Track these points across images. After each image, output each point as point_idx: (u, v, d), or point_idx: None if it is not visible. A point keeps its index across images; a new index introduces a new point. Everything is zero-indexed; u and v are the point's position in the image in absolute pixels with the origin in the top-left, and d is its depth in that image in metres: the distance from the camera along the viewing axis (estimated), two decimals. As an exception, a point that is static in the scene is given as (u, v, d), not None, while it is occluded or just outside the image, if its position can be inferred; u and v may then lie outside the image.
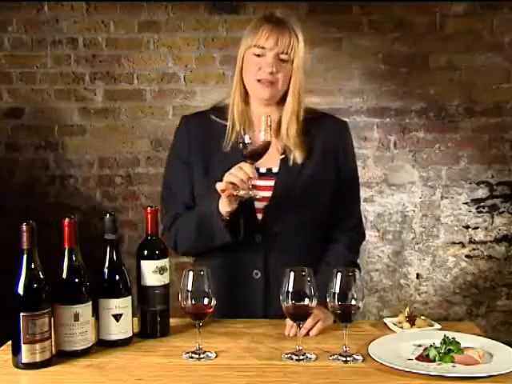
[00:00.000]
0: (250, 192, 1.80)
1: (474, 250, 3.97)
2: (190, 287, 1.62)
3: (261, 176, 1.93)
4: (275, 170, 1.99)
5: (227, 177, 1.81)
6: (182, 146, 2.08)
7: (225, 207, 1.86)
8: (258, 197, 1.85)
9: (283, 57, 1.90)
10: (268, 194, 1.96)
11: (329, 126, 2.07)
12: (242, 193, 1.80)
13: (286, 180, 1.97)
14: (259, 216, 1.97)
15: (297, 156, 1.97)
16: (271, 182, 1.97)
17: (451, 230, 3.96)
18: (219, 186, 1.82)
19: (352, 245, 2.08)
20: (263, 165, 1.96)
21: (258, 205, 1.96)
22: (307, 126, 2.00)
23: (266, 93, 1.93)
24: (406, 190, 3.94)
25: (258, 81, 1.92)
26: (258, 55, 1.91)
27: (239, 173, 1.79)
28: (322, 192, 2.02)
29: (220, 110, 2.03)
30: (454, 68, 3.87)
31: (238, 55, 1.97)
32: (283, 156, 1.98)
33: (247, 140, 1.79)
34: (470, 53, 3.85)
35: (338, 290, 1.60)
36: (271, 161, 1.97)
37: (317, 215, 2.01)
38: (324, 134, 2.03)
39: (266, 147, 1.80)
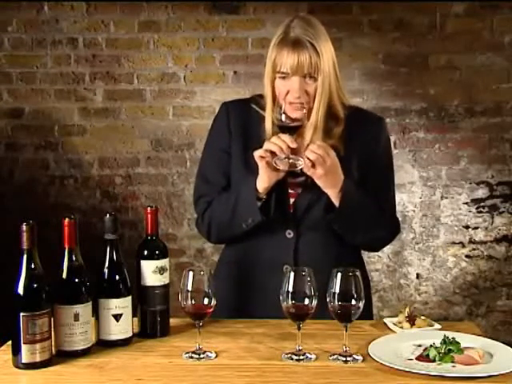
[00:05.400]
0: (290, 160, 1.84)
1: (474, 249, 3.97)
2: (189, 287, 1.62)
3: (295, 175, 1.97)
4: None
5: (266, 145, 1.86)
6: (221, 133, 2.06)
7: (263, 181, 1.89)
8: (299, 167, 1.87)
9: (308, 79, 1.89)
10: (299, 190, 1.99)
11: (363, 122, 2.05)
12: (280, 165, 1.85)
13: None
14: (291, 212, 1.99)
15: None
16: (303, 179, 1.98)
17: (451, 230, 3.97)
18: (258, 152, 1.86)
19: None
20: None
21: (291, 201, 1.99)
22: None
23: (297, 115, 1.90)
24: (405, 189, 3.94)
25: (290, 103, 1.91)
26: (284, 77, 1.90)
27: (277, 141, 1.85)
28: None
29: (260, 100, 2.02)
30: (454, 68, 3.87)
31: (265, 77, 1.95)
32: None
33: (284, 118, 1.87)
34: (469, 53, 3.85)
35: (337, 290, 1.60)
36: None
37: None
38: (358, 131, 2.01)
39: (301, 121, 1.89)
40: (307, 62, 1.86)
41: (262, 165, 1.88)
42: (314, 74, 1.88)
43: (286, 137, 1.85)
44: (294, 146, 1.85)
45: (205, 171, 2.10)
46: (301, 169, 1.92)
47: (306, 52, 1.86)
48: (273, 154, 1.85)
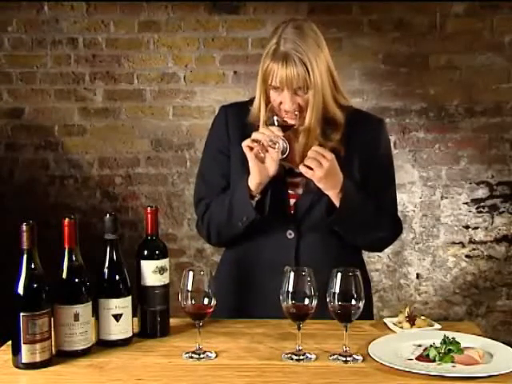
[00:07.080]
0: (276, 145, 1.86)
1: (474, 249, 3.97)
2: (189, 287, 1.62)
3: (295, 176, 1.98)
4: None
5: (253, 135, 1.89)
6: (220, 136, 2.08)
7: (254, 176, 1.89)
8: (285, 155, 1.90)
9: (299, 91, 1.90)
10: (300, 191, 2.00)
11: (363, 123, 2.05)
12: (267, 154, 1.87)
13: None
14: (292, 213, 1.99)
15: None
16: (303, 180, 1.98)
17: (451, 230, 3.97)
18: (245, 142, 1.88)
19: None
20: (298, 165, 1.97)
21: (291, 202, 1.99)
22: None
23: (290, 120, 1.93)
24: (405, 189, 3.94)
25: (285, 111, 1.93)
26: (276, 88, 1.92)
27: (265, 130, 1.88)
28: None
29: None
30: (454, 68, 3.87)
31: (257, 85, 1.97)
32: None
33: (275, 120, 1.91)
34: (470, 53, 3.85)
35: (337, 290, 1.60)
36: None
37: None
38: (358, 132, 2.01)
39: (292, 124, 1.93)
40: (295, 78, 1.87)
41: (250, 156, 1.88)
42: (303, 87, 1.89)
43: (273, 127, 1.88)
44: (280, 134, 1.87)
45: (204, 174, 2.11)
46: (300, 171, 1.93)
47: (295, 68, 1.87)
48: (259, 142, 1.87)
